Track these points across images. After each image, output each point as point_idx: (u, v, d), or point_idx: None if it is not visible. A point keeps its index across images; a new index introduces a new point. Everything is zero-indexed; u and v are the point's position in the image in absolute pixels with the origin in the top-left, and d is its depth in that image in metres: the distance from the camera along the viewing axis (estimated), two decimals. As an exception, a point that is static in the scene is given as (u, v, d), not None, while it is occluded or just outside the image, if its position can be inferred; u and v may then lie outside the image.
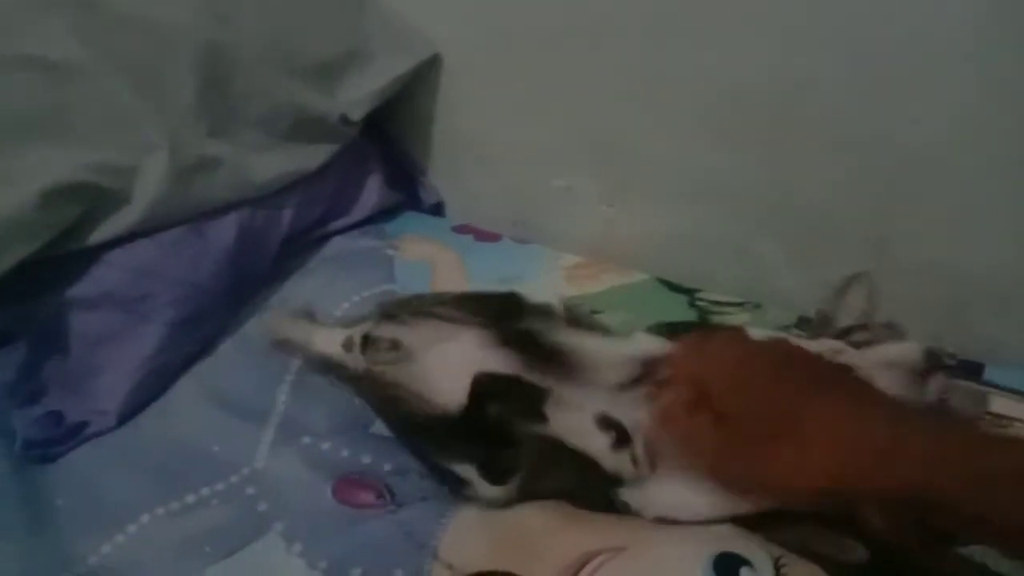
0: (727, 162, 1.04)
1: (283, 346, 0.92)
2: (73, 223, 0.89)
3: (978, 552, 0.65)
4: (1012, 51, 0.81)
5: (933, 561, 0.61)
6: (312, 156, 1.11)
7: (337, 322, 0.94)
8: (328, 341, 0.85)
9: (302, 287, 1.10)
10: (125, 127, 0.95)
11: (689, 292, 1.07)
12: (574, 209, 1.20)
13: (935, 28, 0.84)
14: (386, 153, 1.29)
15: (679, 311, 1.03)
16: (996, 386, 0.88)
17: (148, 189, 0.93)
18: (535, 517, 0.74)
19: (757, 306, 1.03)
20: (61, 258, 0.89)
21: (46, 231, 0.86)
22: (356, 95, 1.14)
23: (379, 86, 1.15)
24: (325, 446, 0.85)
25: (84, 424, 0.89)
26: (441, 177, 1.33)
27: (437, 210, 1.35)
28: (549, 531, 0.72)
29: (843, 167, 0.97)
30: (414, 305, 0.84)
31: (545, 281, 1.10)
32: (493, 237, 1.23)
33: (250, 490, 0.81)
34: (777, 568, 0.67)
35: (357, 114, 1.14)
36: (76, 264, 0.91)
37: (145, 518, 0.78)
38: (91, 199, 0.90)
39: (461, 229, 1.26)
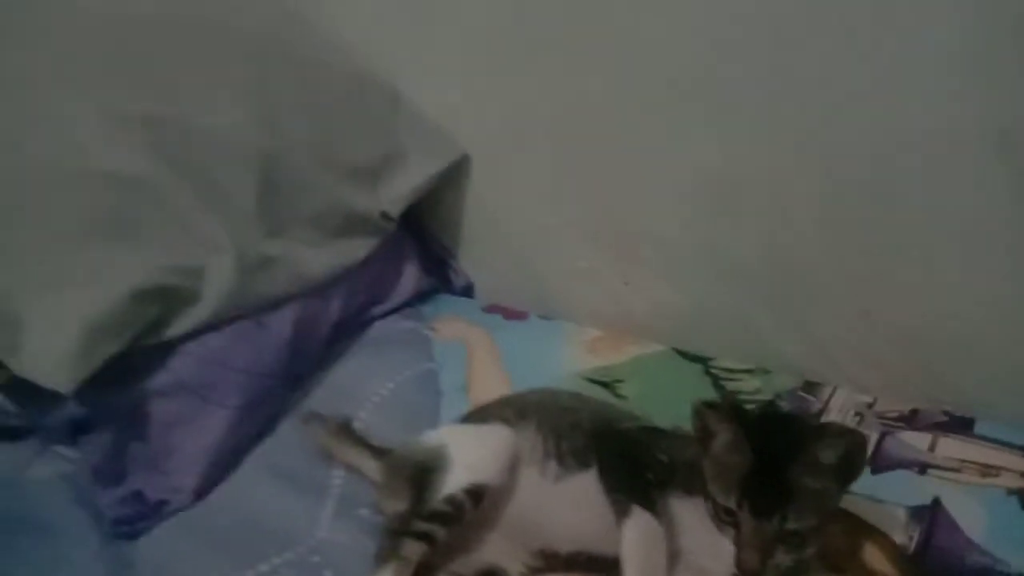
0: (727, 239, 1.15)
1: (329, 456, 1.02)
2: (154, 320, 1.00)
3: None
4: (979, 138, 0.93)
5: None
6: (357, 250, 1.24)
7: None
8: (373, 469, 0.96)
9: (349, 368, 1.20)
10: (193, 232, 1.07)
11: (703, 361, 1.17)
12: (593, 287, 1.31)
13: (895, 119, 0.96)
14: (420, 242, 1.41)
15: (695, 379, 1.13)
16: (986, 438, 0.97)
17: (217, 287, 1.05)
18: None
19: (766, 372, 1.13)
20: (141, 351, 1.00)
21: (132, 328, 0.97)
22: (395, 193, 1.27)
23: (415, 184, 1.28)
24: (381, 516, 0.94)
25: (164, 502, 0.98)
26: (470, 262, 1.45)
27: (467, 292, 1.46)
28: None
29: (829, 241, 1.08)
30: None
31: (571, 354, 1.20)
32: (521, 315, 1.34)
33: (315, 558, 0.90)
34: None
35: (396, 210, 1.27)
36: (154, 357, 1.01)
37: (222, 586, 0.87)
38: (169, 298, 1.01)
39: (491, 309, 1.37)
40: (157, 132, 1.09)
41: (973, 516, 0.86)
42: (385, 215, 1.26)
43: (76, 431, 1.01)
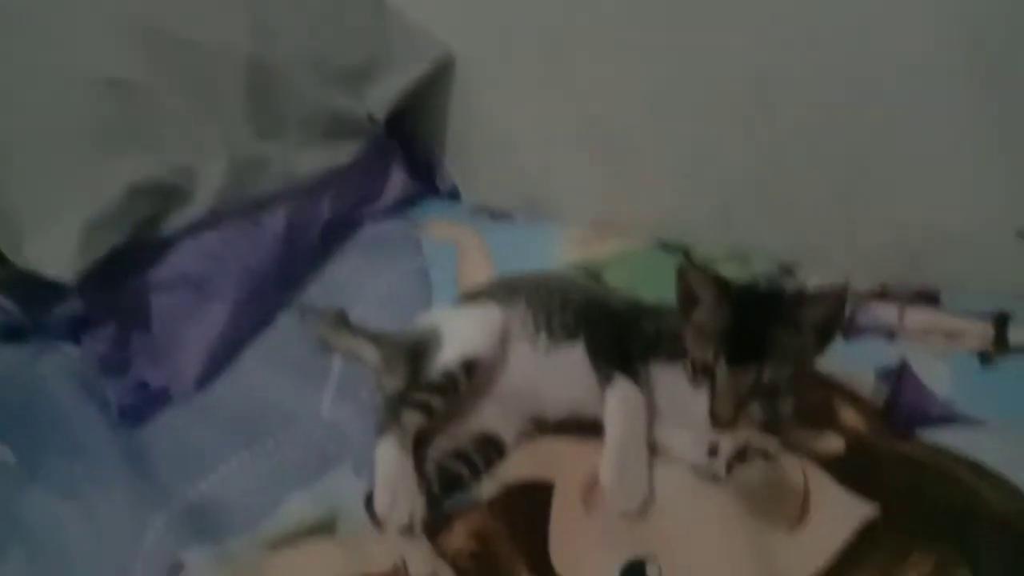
0: (713, 136, 1.18)
1: (327, 346, 1.06)
2: (150, 217, 1.03)
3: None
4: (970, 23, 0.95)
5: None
6: (345, 152, 1.26)
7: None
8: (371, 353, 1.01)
9: (342, 267, 1.24)
10: (187, 134, 1.10)
11: (684, 250, 1.21)
12: (580, 186, 1.34)
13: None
14: (406, 146, 1.43)
15: (674, 267, 1.16)
16: (950, 308, 1.03)
17: (210, 185, 1.08)
18: (558, 444, 0.89)
19: (745, 257, 1.17)
20: (141, 247, 1.04)
21: (130, 224, 1.01)
22: (381, 96, 1.29)
23: (401, 86, 1.30)
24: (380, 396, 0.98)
25: (166, 390, 1.02)
26: (457, 165, 1.47)
27: (454, 195, 1.48)
28: (568, 454, 0.87)
29: (812, 135, 1.11)
30: None
31: (557, 250, 1.24)
32: (507, 216, 1.37)
33: (318, 435, 0.95)
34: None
35: (382, 112, 1.29)
36: (154, 252, 1.05)
37: (233, 460, 0.92)
38: (164, 195, 1.05)
39: (478, 210, 1.40)
40: (153, 40, 1.13)
41: (938, 375, 0.92)
42: (372, 117, 1.28)
43: (78, 328, 1.05)
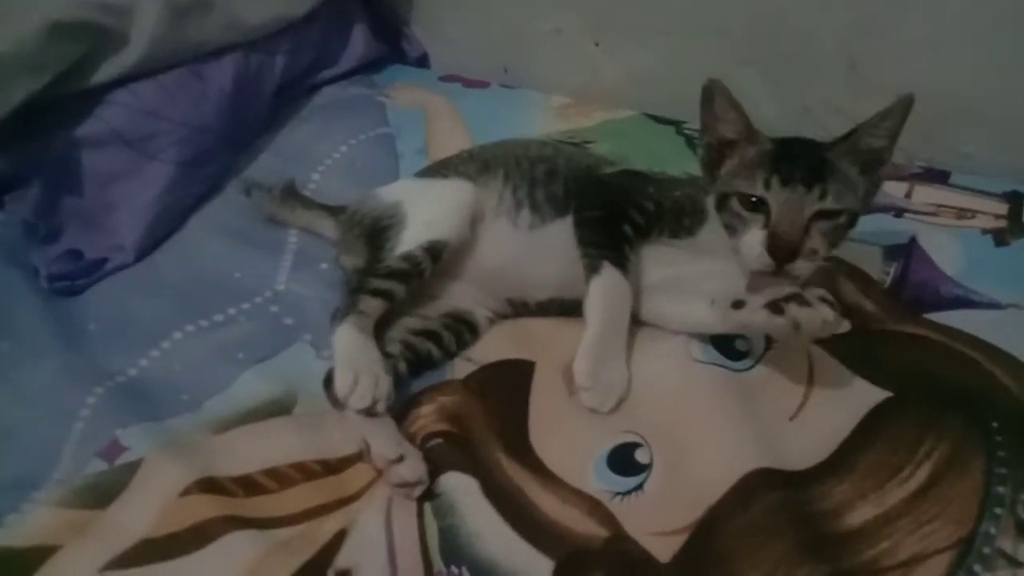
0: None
1: (278, 222, 0.96)
2: (75, 63, 0.90)
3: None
4: None
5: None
6: (299, 1, 1.12)
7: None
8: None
9: (298, 132, 1.13)
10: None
11: (675, 123, 1.12)
12: (561, 52, 1.22)
13: None
14: (369, 4, 1.29)
15: (667, 139, 1.08)
16: (960, 187, 0.96)
17: (145, 28, 0.95)
18: (538, 323, 0.82)
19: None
20: (67, 99, 0.91)
21: (50, 67, 0.88)
22: (340, -62, 1.14)
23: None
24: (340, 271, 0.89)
25: (103, 260, 0.92)
26: (425, 29, 1.34)
27: (423, 63, 1.36)
28: (550, 333, 0.81)
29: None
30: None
31: (538, 119, 1.14)
32: (481, 84, 1.25)
33: (274, 308, 0.86)
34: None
35: (341, -41, 1.15)
36: (82, 105, 0.93)
37: (177, 335, 0.83)
38: (91, 37, 0.91)
39: (448, 79, 1.28)
40: None
41: (950, 253, 0.86)
42: (331, -36, 1.14)
43: (1, 190, 0.94)
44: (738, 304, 0.69)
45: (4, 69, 0.84)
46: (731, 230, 0.70)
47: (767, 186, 0.67)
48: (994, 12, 0.93)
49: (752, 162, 0.70)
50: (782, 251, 0.66)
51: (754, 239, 0.67)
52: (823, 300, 0.66)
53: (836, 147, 0.69)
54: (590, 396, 0.72)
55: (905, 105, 0.68)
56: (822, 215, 0.67)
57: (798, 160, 0.67)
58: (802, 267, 0.67)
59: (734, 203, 0.69)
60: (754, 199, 0.68)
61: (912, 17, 0.98)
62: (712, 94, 0.71)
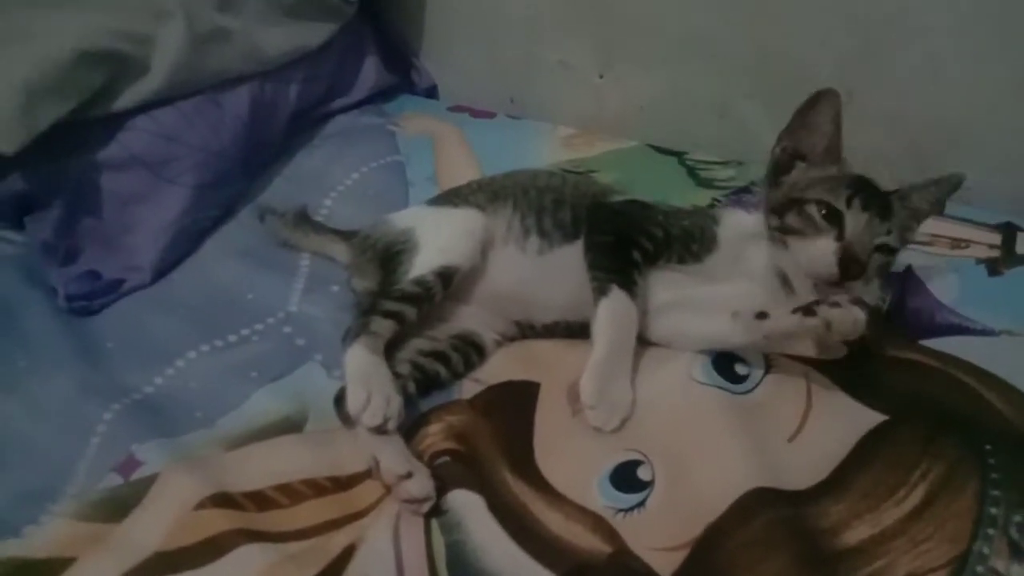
0: (712, 28, 1.11)
1: (291, 247, 0.99)
2: (99, 90, 0.93)
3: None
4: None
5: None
6: (314, 33, 1.16)
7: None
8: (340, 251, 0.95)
9: (312, 159, 1.16)
10: (143, -3, 0.99)
11: (677, 154, 1.14)
12: (566, 83, 1.26)
13: None
14: (381, 36, 1.33)
15: (669, 169, 1.11)
16: (955, 217, 0.98)
17: (167, 57, 0.98)
18: (544, 345, 0.84)
19: (740, 163, 1.11)
20: (89, 123, 0.94)
21: (76, 93, 0.91)
22: (355, -26, 1.18)
23: (376, -36, 1.19)
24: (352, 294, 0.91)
25: (120, 281, 0.94)
26: (434, 61, 1.38)
27: (431, 94, 1.39)
28: (555, 354, 0.83)
29: (816, 25, 1.04)
30: None
31: (544, 149, 1.17)
32: (488, 114, 1.29)
33: (287, 329, 0.88)
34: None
35: (354, -7, 1.19)
36: (103, 129, 0.96)
37: (192, 354, 0.85)
38: (115, 65, 0.94)
39: (456, 108, 1.31)
40: None
41: (945, 282, 0.88)
42: (344, -1, 1.18)
43: (22, 211, 0.95)
44: (762, 315, 0.72)
45: (32, 95, 0.86)
46: (793, 232, 0.75)
47: (849, 204, 0.73)
48: (988, 46, 0.97)
49: (836, 179, 0.75)
50: (854, 266, 0.71)
51: (827, 247, 0.72)
52: (853, 302, 0.69)
53: (895, 195, 0.76)
54: (595, 415, 0.74)
55: (954, 182, 0.78)
56: (881, 249, 0.73)
57: (873, 194, 0.74)
58: (861, 289, 0.73)
59: (811, 208, 0.74)
60: (832, 211, 0.73)
61: (908, 49, 1.01)
62: (818, 102, 0.76)
